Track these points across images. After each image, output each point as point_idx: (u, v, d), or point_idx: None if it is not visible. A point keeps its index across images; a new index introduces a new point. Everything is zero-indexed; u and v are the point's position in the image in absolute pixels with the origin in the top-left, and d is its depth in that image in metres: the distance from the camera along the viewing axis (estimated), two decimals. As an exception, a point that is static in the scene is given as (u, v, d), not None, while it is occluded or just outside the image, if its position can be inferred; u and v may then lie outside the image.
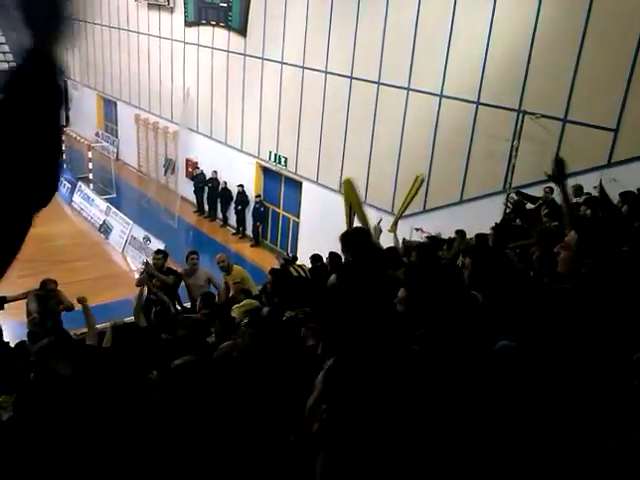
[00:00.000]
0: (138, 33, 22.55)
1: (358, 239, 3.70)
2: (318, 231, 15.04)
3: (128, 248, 16.44)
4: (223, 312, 5.72)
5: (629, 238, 3.41)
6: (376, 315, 2.25)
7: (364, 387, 2.02)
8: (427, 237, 8.88)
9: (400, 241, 7.40)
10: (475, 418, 2.07)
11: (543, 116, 10.30)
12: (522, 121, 10.57)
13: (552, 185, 9.95)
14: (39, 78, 0.98)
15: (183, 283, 8.86)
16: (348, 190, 6.13)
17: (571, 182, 9.60)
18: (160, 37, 21.32)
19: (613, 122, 9.52)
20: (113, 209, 18.08)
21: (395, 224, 7.44)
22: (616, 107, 9.45)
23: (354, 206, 5.94)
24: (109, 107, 26.65)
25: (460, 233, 7.47)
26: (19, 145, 0.93)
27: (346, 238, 3.74)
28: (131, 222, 16.86)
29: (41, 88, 0.98)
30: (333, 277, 3.31)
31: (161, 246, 14.08)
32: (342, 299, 2.38)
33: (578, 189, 9.14)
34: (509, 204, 8.27)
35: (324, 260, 8.60)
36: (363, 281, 3.14)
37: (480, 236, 6.34)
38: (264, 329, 3.55)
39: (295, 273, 6.52)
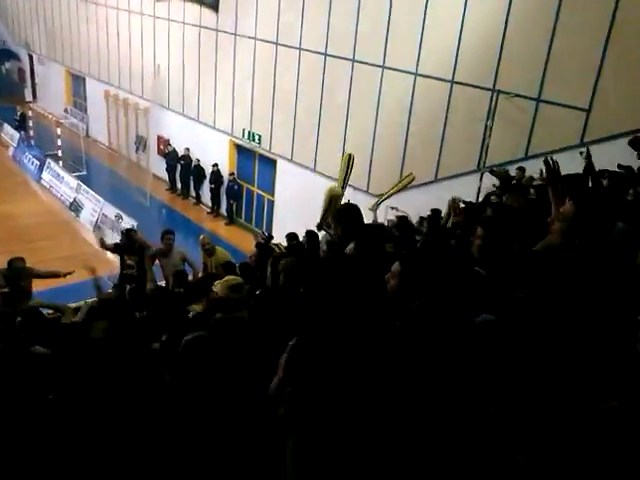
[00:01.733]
0: (107, 7, 21.98)
1: (350, 214, 3.78)
2: (293, 209, 15.00)
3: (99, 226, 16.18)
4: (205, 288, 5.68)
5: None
6: (368, 290, 2.24)
7: (330, 366, 1.99)
8: (397, 217, 8.89)
9: (378, 220, 7.47)
10: (453, 391, 2.08)
11: (517, 95, 10.35)
12: (496, 100, 10.62)
13: (523, 165, 10.10)
14: None
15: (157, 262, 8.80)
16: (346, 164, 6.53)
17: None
18: (130, 11, 20.81)
19: (586, 102, 9.61)
20: (84, 187, 17.71)
21: (377, 205, 7.53)
22: (589, 87, 9.54)
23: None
24: (77, 83, 26.01)
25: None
26: None
27: (339, 214, 3.83)
28: (102, 200, 16.56)
29: None
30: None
31: (133, 224, 13.91)
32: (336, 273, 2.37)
33: (522, 170, 9.45)
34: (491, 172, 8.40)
35: (300, 239, 8.59)
36: (358, 256, 3.16)
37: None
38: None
39: (277, 251, 6.53)
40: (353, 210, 3.82)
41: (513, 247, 3.38)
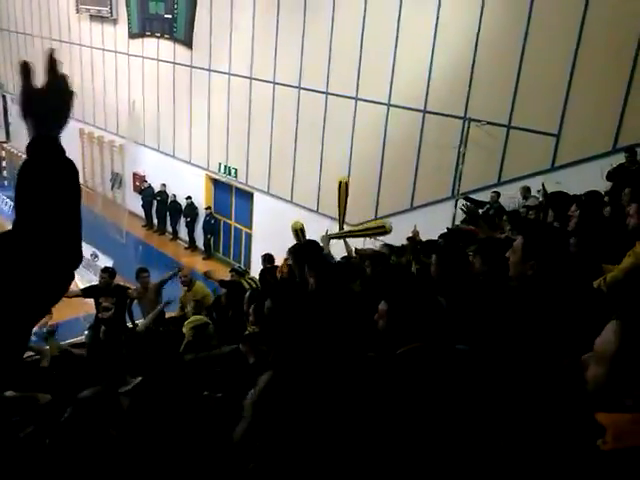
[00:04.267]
0: (81, 45, 22.06)
1: (308, 252, 3.62)
2: (271, 242, 14.93)
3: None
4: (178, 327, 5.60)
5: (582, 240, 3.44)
6: (328, 329, 2.16)
7: (302, 412, 1.87)
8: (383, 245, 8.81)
9: (353, 249, 7.35)
10: (430, 427, 2.03)
11: (488, 123, 10.52)
12: (468, 128, 10.78)
13: (498, 190, 10.23)
14: (51, 162, 1.16)
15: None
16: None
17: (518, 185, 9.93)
18: (104, 49, 20.91)
19: (555, 127, 9.80)
20: (58, 226, 17.47)
21: (329, 237, 7.27)
22: (557, 113, 9.74)
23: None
24: (52, 121, 25.87)
25: (411, 239, 7.44)
26: (47, 219, 1.07)
27: (295, 252, 3.63)
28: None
29: (54, 170, 1.15)
30: (268, 302, 3.18)
31: (109, 262, 13.71)
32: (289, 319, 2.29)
33: (526, 190, 9.51)
34: (462, 209, 8.39)
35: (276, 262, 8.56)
36: (315, 296, 3.06)
37: (431, 242, 6.38)
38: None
39: (247, 286, 6.43)
40: (310, 247, 3.68)
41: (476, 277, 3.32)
